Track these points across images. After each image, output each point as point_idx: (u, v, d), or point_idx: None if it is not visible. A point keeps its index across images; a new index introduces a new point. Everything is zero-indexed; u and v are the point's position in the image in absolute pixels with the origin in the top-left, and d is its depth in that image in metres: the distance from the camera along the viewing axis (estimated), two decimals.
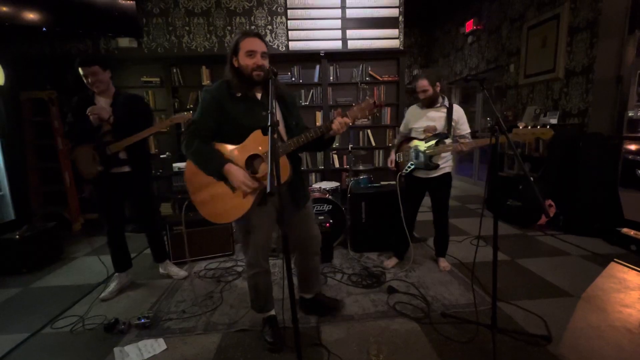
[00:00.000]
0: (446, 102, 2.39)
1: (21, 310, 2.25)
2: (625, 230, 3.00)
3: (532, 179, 1.62)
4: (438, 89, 2.35)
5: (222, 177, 1.53)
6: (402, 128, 2.63)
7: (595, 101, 3.50)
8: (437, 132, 2.36)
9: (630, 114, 3.31)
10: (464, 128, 2.38)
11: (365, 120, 4.42)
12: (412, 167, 2.44)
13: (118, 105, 2.22)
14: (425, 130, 2.40)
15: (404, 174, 2.51)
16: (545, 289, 2.29)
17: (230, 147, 1.57)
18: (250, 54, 1.51)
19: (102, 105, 2.20)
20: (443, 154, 2.36)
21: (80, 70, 2.12)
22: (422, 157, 2.38)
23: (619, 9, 3.26)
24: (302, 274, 1.98)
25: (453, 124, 2.36)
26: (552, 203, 3.50)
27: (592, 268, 2.58)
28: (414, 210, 2.61)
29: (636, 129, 3.28)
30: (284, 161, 1.53)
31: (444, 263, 2.66)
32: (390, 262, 2.71)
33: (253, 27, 4.28)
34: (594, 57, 3.49)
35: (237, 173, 1.49)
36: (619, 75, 3.31)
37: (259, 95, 1.62)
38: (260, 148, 1.54)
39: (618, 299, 2.13)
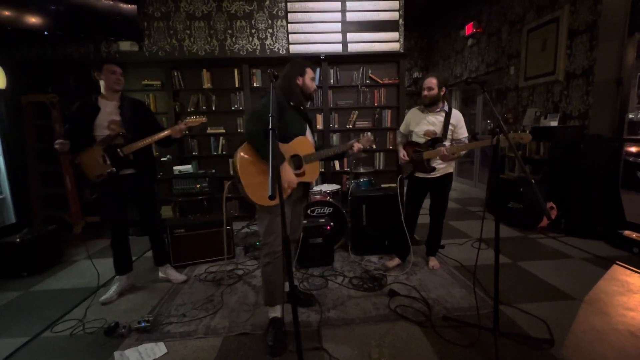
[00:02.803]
0: (446, 107, 2.44)
1: (21, 313, 2.24)
2: (627, 232, 2.99)
3: (533, 181, 1.62)
4: (442, 92, 2.40)
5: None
6: (402, 128, 2.68)
7: (596, 103, 3.50)
8: (435, 136, 2.42)
9: (631, 116, 3.31)
10: (462, 132, 2.44)
11: (366, 122, 4.45)
12: (412, 168, 2.53)
13: (126, 108, 2.27)
14: (425, 134, 2.46)
15: (405, 177, 2.59)
16: (548, 291, 2.28)
17: (281, 144, 1.80)
18: (314, 79, 1.97)
19: (108, 109, 2.23)
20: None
21: (109, 66, 2.20)
22: (420, 160, 2.47)
23: (618, 11, 3.27)
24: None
25: (451, 127, 2.41)
26: (554, 205, 3.49)
27: (594, 271, 2.57)
28: (415, 210, 2.64)
29: (637, 131, 3.28)
30: (316, 164, 1.97)
31: (433, 262, 2.71)
32: (393, 262, 2.71)
33: (254, 31, 4.30)
34: (594, 60, 3.49)
35: (288, 173, 1.74)
36: (619, 77, 3.31)
37: (302, 107, 1.97)
38: (301, 150, 1.88)
39: (621, 302, 2.12)
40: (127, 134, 2.22)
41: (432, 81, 2.36)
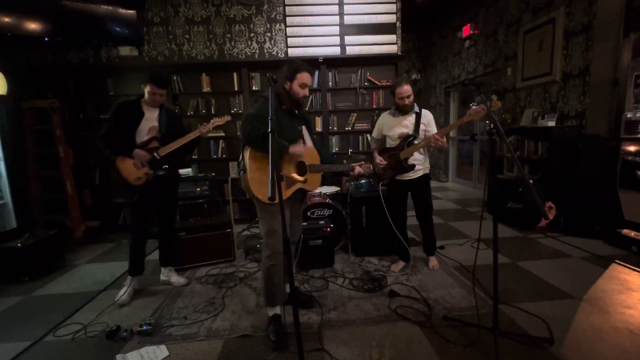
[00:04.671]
0: (416, 109, 2.55)
1: (23, 318, 2.25)
2: (625, 231, 3.00)
3: (531, 181, 1.65)
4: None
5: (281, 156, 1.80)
6: (375, 134, 2.75)
7: (593, 103, 3.52)
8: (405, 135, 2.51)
9: (629, 115, 3.32)
10: (433, 130, 2.53)
11: (365, 124, 4.47)
12: (392, 173, 2.58)
13: (163, 117, 2.40)
14: (399, 137, 2.54)
15: (386, 182, 2.63)
16: (547, 291, 2.29)
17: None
18: (304, 86, 1.85)
19: (150, 115, 2.34)
20: (418, 156, 2.51)
21: (153, 87, 2.26)
22: (397, 161, 2.52)
23: (613, 12, 3.30)
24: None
25: (422, 127, 2.51)
26: (552, 205, 3.51)
27: (593, 270, 2.58)
28: (402, 213, 2.69)
29: (634, 130, 3.30)
30: (318, 175, 2.05)
31: (433, 262, 2.74)
32: (397, 266, 2.72)
33: (252, 35, 4.33)
34: (590, 60, 3.52)
35: (297, 147, 1.82)
36: (615, 77, 3.33)
37: (296, 111, 1.96)
38: (308, 159, 1.95)
39: (620, 301, 2.12)
40: (162, 139, 2.35)
41: (409, 89, 2.46)
